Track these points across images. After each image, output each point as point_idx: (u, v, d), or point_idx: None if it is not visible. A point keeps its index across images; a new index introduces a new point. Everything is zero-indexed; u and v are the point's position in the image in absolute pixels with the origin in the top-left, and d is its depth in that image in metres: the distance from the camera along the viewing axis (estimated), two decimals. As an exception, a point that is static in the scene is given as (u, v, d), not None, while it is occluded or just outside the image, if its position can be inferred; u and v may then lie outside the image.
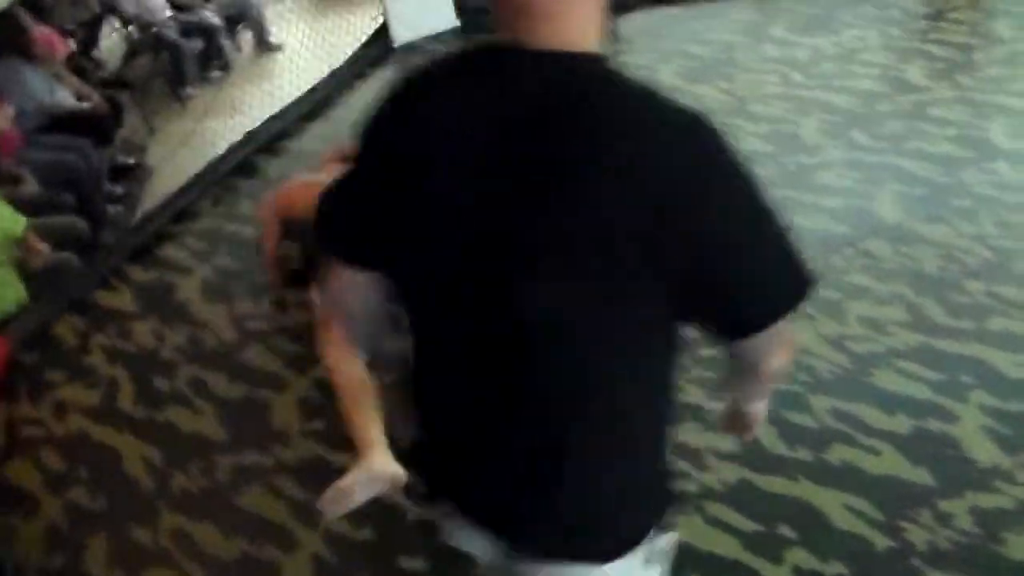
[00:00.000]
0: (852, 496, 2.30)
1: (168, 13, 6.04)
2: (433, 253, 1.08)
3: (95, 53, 6.17)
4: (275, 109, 5.09)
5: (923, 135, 3.85)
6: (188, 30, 6.03)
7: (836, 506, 2.29)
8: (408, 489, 1.46)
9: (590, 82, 1.00)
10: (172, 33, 5.94)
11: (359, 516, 2.43)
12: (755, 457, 2.44)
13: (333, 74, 5.48)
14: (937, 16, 5.07)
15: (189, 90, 5.95)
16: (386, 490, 2.36)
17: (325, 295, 1.29)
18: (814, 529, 2.24)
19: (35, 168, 4.09)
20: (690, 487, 2.38)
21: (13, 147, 4.16)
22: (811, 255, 1.05)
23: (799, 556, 2.18)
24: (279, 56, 6.48)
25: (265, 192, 3.94)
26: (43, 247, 3.61)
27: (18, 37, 4.61)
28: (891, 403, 2.55)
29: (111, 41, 6.32)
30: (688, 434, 2.51)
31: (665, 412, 1.17)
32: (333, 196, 1.20)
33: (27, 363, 3.38)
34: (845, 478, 2.36)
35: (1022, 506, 2.21)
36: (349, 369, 2.62)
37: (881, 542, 2.18)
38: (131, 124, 5.29)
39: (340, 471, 2.37)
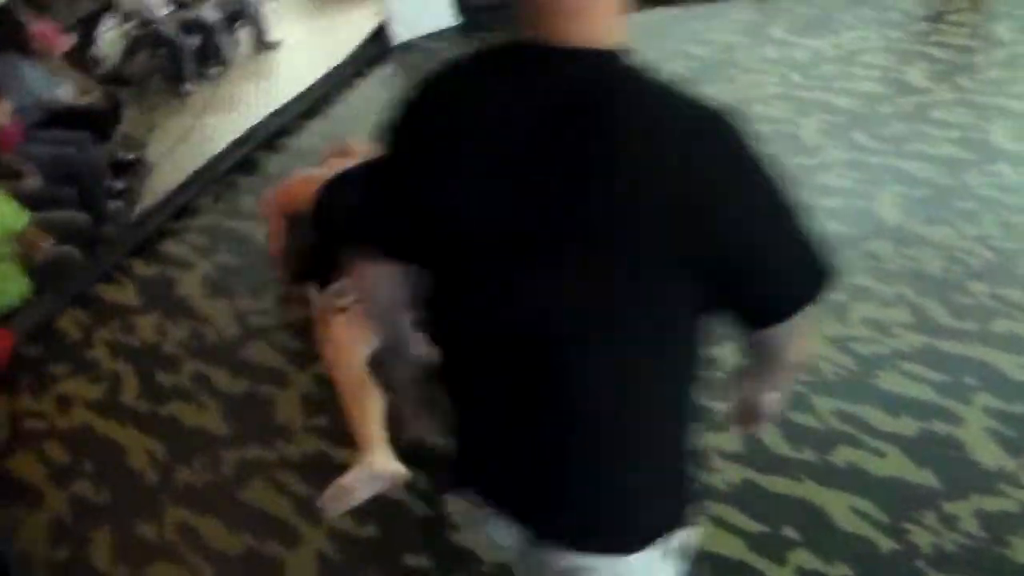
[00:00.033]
0: (856, 497, 2.31)
1: (167, 10, 6.02)
2: (460, 246, 1.09)
3: (94, 49, 6.14)
4: (273, 106, 5.08)
5: (924, 137, 3.87)
6: (187, 27, 6.02)
7: (840, 507, 2.30)
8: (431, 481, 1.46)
9: (614, 78, 1.01)
10: (171, 30, 5.92)
11: (363, 513, 2.45)
12: (759, 458, 2.45)
13: (332, 72, 5.47)
14: (937, 18, 5.09)
15: (188, 87, 5.93)
16: (387, 487, 2.38)
17: (352, 287, 1.29)
18: (818, 530, 2.25)
19: (36, 163, 4.08)
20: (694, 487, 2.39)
21: (14, 142, 4.15)
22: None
23: (803, 557, 2.19)
24: (277, 53, 6.46)
25: (265, 189, 3.94)
26: (45, 241, 3.60)
27: (16, 32, 4.59)
28: (895, 405, 2.57)
29: (110, 37, 6.29)
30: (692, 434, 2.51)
31: (689, 406, 1.18)
32: (359, 189, 1.22)
33: (30, 356, 3.37)
34: (849, 479, 2.37)
35: (1026, 508, 2.23)
36: (349, 367, 2.64)
37: (885, 544, 2.19)
38: (131, 120, 5.27)
39: (343, 467, 2.39)
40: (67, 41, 5.59)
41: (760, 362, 1.23)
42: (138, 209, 4.42)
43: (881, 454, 2.43)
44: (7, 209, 3.55)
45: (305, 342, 3.07)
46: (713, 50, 5.03)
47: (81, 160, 4.26)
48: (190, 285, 3.66)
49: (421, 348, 1.41)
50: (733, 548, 2.23)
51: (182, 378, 3.13)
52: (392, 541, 2.42)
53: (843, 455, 2.44)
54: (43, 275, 3.62)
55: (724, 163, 0.97)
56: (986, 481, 2.31)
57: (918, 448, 2.43)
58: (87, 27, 6.12)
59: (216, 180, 4.46)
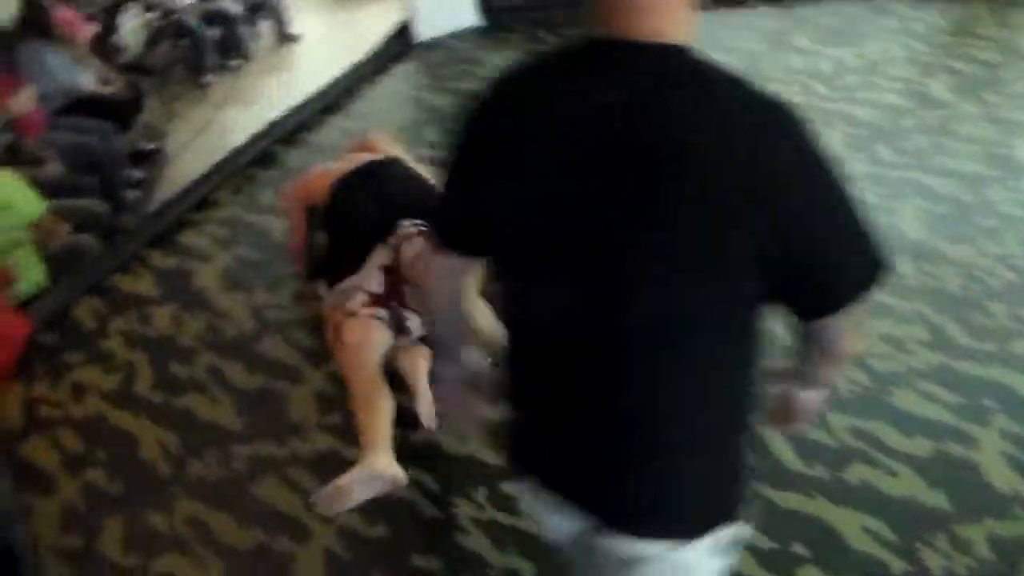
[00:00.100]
0: (868, 516, 2.30)
1: (189, 0, 6.04)
2: (529, 245, 1.14)
3: (116, 38, 6.17)
4: (292, 100, 5.08)
5: (947, 152, 3.85)
6: (208, 18, 6.04)
7: (852, 526, 2.29)
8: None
9: (685, 73, 1.05)
10: (193, 21, 5.95)
11: (373, 512, 2.46)
12: (772, 473, 2.44)
13: (354, 68, 5.47)
14: (962, 31, 5.07)
15: (208, 78, 5.95)
16: (386, 490, 2.38)
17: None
18: (829, 548, 2.24)
19: (57, 150, 4.10)
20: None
21: (38, 128, 4.17)
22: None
23: (812, 575, 2.18)
24: (297, 47, 6.48)
25: (285, 183, 3.96)
26: (62, 229, 3.62)
27: (40, 18, 4.61)
28: (910, 424, 2.55)
29: (132, 27, 6.32)
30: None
31: (749, 399, 1.21)
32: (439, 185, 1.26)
33: (46, 344, 3.38)
34: (862, 498, 2.36)
35: (1040, 534, 2.21)
36: (363, 371, 2.65)
37: (896, 565, 2.18)
38: (151, 110, 5.29)
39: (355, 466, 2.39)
40: (90, 29, 5.62)
41: (810, 355, 1.25)
42: (156, 199, 4.44)
43: (894, 473, 2.42)
44: (27, 196, 3.58)
45: (321, 339, 3.08)
46: (737, 58, 5.00)
47: (103, 149, 4.28)
48: (207, 278, 3.67)
49: (471, 353, 1.46)
50: (743, 564, 2.21)
51: (197, 370, 3.14)
52: (401, 541, 2.43)
53: (856, 473, 2.43)
54: (60, 263, 3.64)
55: (789, 156, 1.02)
56: (1000, 505, 2.30)
57: (932, 469, 2.42)
58: (110, 16, 6.15)
59: (236, 173, 4.47)
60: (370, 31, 5.95)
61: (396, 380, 2.70)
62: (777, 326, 1.20)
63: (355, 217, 3.02)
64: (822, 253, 1.07)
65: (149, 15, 6.20)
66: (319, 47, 6.37)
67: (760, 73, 4.79)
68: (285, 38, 6.52)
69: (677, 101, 1.02)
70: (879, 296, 2.95)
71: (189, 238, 4.00)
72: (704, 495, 1.23)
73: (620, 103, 1.03)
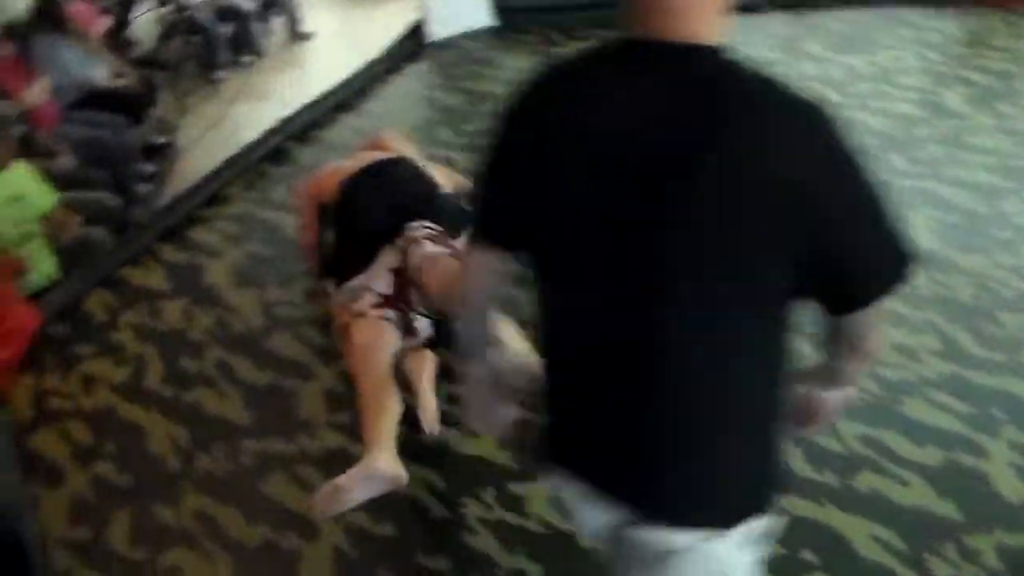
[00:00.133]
0: (877, 525, 2.30)
1: (202, -4, 6.07)
2: (566, 241, 1.17)
3: (129, 32, 6.20)
4: (303, 97, 5.09)
5: (961, 162, 3.84)
6: (221, 14, 6.06)
7: (860, 534, 2.28)
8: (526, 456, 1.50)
9: (719, 72, 1.08)
10: (205, 16, 5.97)
11: (381, 511, 2.46)
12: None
13: (367, 66, 5.48)
14: (977, 42, 5.06)
15: (220, 73, 5.97)
16: (386, 490, 2.38)
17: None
18: (837, 556, 2.23)
19: (70, 143, 4.12)
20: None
21: (51, 121, 4.19)
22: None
23: (821, 582, 2.18)
24: (310, 45, 6.49)
25: (297, 180, 3.96)
26: (72, 221, 3.63)
27: (54, 11, 4.64)
28: (921, 433, 2.55)
29: (145, 21, 6.35)
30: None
31: (780, 392, 1.24)
32: (476, 180, 1.29)
33: (57, 336, 3.39)
34: (871, 506, 2.35)
35: (1050, 546, 2.20)
36: (372, 372, 2.64)
37: (905, 574, 2.17)
38: (163, 104, 5.31)
39: (364, 465, 2.39)
40: (103, 23, 5.64)
41: (838, 350, 1.26)
42: (167, 193, 4.45)
43: (904, 482, 2.41)
44: (40, 188, 3.60)
45: (331, 337, 3.08)
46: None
47: (115, 143, 4.30)
48: (218, 273, 3.68)
49: (496, 354, 1.47)
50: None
51: (206, 365, 3.15)
52: (408, 540, 2.43)
53: (866, 481, 2.43)
54: (71, 256, 3.66)
55: (822, 153, 1.05)
56: (1009, 516, 2.29)
57: (941, 478, 2.41)
58: (123, 10, 6.17)
59: (248, 169, 4.47)
60: (383, 30, 5.96)
61: (402, 382, 2.70)
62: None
63: (362, 216, 3.02)
64: (853, 249, 1.09)
65: (162, 10, 6.23)
66: (331, 45, 6.40)
67: (773, 79, 4.78)
68: (297, 35, 6.55)
69: (712, 101, 1.05)
70: (891, 305, 2.98)
71: (200, 233, 4.00)
72: (738, 484, 1.25)
73: (656, 103, 1.06)
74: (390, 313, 2.79)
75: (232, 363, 3.14)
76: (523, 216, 1.21)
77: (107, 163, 4.19)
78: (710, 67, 1.08)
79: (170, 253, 3.88)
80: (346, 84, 5.28)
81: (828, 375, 1.32)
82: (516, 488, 2.49)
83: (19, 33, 4.41)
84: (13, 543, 2.37)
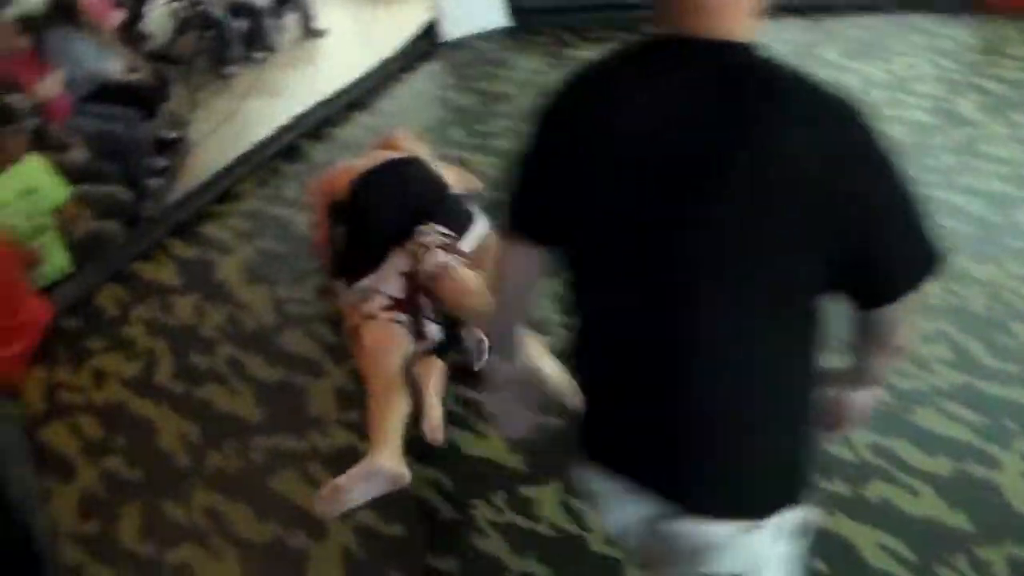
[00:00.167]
0: (887, 535, 2.29)
1: (216, -9, 6.07)
2: (605, 234, 1.17)
3: (143, 26, 6.21)
4: (315, 94, 5.10)
5: (975, 171, 3.83)
6: (235, 10, 6.06)
7: (870, 543, 2.27)
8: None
9: (752, 68, 1.09)
10: (218, 12, 5.97)
11: (390, 511, 2.46)
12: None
13: (380, 65, 5.49)
14: (991, 51, 5.04)
15: (232, 69, 5.97)
16: (388, 489, 2.38)
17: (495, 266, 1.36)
18: (846, 565, 2.23)
19: (83, 136, 4.13)
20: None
21: (64, 114, 4.20)
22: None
23: (830, 591, 2.17)
24: (323, 42, 6.50)
25: (309, 177, 3.96)
26: (85, 214, 3.64)
27: (68, 5, 4.65)
28: (932, 443, 2.54)
29: (159, 15, 6.36)
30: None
31: (813, 381, 1.25)
32: (511, 174, 1.30)
33: (68, 329, 3.40)
34: (881, 516, 2.35)
35: (1062, 559, 2.19)
36: (383, 373, 2.64)
37: (915, 584, 2.17)
38: (175, 99, 5.32)
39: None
40: (117, 16, 5.65)
41: (867, 346, 1.27)
42: (178, 188, 4.45)
43: (915, 492, 2.41)
44: (52, 181, 3.60)
45: (342, 335, 3.08)
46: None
47: (128, 137, 4.30)
48: (230, 269, 3.68)
49: (523, 356, 1.48)
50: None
51: (217, 361, 3.16)
52: (417, 541, 2.43)
53: (876, 490, 2.42)
54: (83, 250, 3.66)
55: (854, 147, 1.06)
56: (1021, 527, 2.28)
57: (953, 489, 2.41)
58: (137, 3, 6.19)
59: (261, 166, 4.48)
60: (396, 29, 5.96)
61: (411, 386, 2.69)
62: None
63: (372, 215, 3.03)
64: (885, 244, 1.10)
65: (176, 4, 6.23)
66: (344, 43, 6.39)
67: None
68: (311, 32, 6.54)
69: (744, 98, 1.06)
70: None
71: (212, 229, 4.01)
72: (773, 474, 1.26)
73: (686, 101, 1.07)
74: (401, 316, 2.79)
75: (243, 359, 3.15)
76: (557, 215, 1.22)
77: (119, 157, 4.20)
78: (743, 63, 1.09)
79: (181, 248, 3.89)
80: (359, 82, 5.29)
81: (856, 375, 1.33)
82: (527, 491, 2.49)
83: (33, 26, 4.42)
84: (24, 537, 2.37)
